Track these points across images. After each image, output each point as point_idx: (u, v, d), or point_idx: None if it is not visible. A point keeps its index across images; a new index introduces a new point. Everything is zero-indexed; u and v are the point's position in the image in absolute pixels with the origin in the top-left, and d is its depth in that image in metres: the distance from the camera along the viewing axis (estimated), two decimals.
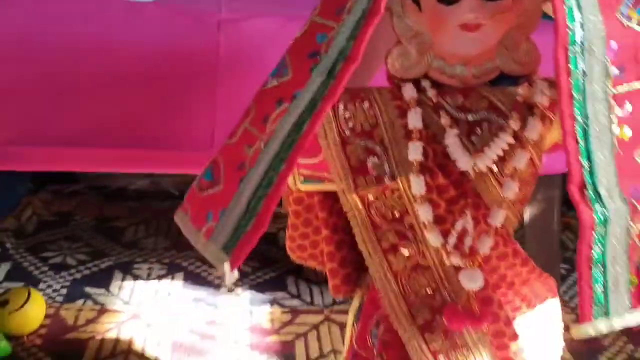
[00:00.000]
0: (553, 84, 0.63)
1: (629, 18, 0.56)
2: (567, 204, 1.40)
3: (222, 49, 1.00)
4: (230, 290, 0.59)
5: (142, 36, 0.96)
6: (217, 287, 1.45)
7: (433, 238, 0.64)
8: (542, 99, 0.61)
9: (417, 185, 0.62)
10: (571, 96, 0.53)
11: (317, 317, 1.35)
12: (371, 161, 0.64)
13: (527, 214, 1.18)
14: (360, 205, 0.66)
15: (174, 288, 1.44)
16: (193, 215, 0.67)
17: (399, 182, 0.63)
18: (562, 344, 0.77)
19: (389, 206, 0.65)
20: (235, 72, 1.02)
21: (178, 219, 0.69)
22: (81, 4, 0.97)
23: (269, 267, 1.54)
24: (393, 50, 0.64)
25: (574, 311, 1.44)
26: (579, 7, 0.53)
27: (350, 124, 0.64)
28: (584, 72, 0.53)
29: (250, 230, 0.57)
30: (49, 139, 0.96)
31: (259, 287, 1.45)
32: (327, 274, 0.76)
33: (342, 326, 1.29)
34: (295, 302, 1.41)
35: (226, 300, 1.40)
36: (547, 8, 0.63)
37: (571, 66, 0.53)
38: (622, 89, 0.56)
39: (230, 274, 0.57)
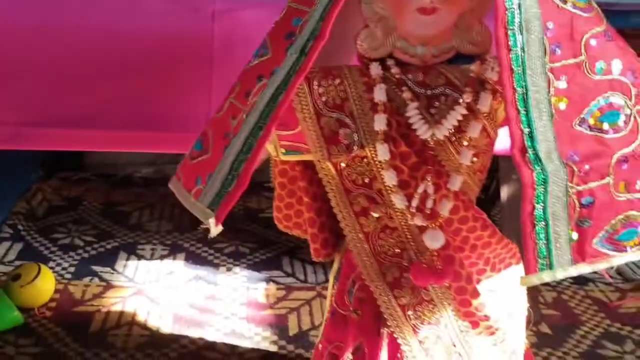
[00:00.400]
0: None
1: (564, 1, 0.63)
2: None
3: (216, 38, 1.09)
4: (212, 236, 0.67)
5: (142, 24, 1.04)
6: (216, 266, 1.54)
7: (398, 201, 0.72)
8: (492, 75, 0.69)
9: (382, 152, 0.70)
10: (511, 69, 0.60)
11: (309, 293, 1.43)
12: (342, 131, 0.71)
13: (504, 192, 1.25)
14: (333, 172, 0.74)
15: (176, 267, 1.53)
16: (185, 181, 0.75)
17: (367, 150, 0.71)
18: (525, 310, 0.84)
19: (359, 172, 0.73)
20: (229, 59, 1.10)
21: (172, 185, 0.77)
22: None
23: (265, 248, 1.62)
24: (361, 32, 0.72)
25: (555, 288, 1.52)
26: None
27: (324, 99, 0.72)
28: (522, 48, 0.61)
29: (232, 190, 0.65)
30: (56, 121, 1.04)
31: (256, 267, 1.54)
32: (309, 239, 0.84)
33: None
34: (289, 280, 1.49)
35: (225, 278, 1.49)
36: None
37: (510, 43, 0.60)
38: (560, 64, 0.63)
39: (215, 228, 0.65)
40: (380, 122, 0.70)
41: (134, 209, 1.82)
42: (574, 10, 0.64)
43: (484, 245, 0.79)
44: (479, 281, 0.78)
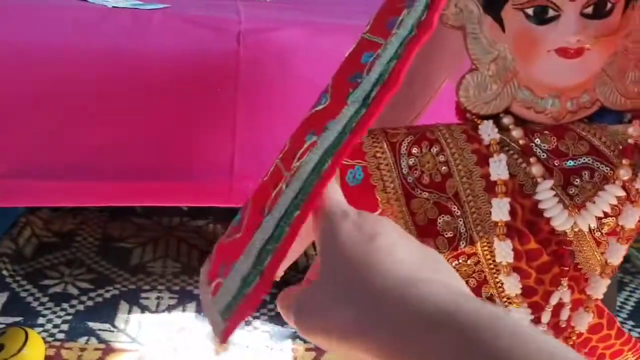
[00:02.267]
0: None
1: None
2: None
3: (242, 63, 0.88)
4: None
5: (153, 47, 0.83)
6: None
7: (521, 314, 0.51)
8: None
9: (504, 252, 0.49)
10: None
11: None
12: (442, 220, 0.51)
13: None
14: None
15: (186, 320, 1.32)
16: (212, 266, 0.56)
17: (478, 247, 0.51)
18: None
19: (464, 274, 0.52)
20: (256, 88, 0.90)
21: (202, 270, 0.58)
22: (77, 13, 0.84)
23: None
24: (467, 78, 0.51)
25: None
26: None
27: (416, 174, 0.51)
28: None
29: (251, 292, 0.45)
30: (47, 171, 0.83)
31: (278, 319, 1.32)
32: None
33: None
34: None
35: (244, 335, 1.28)
36: None
37: None
38: None
39: (220, 347, 0.46)
40: (500, 210, 0.49)
41: (135, 245, 1.61)
42: None
43: (613, 354, 0.59)
44: None
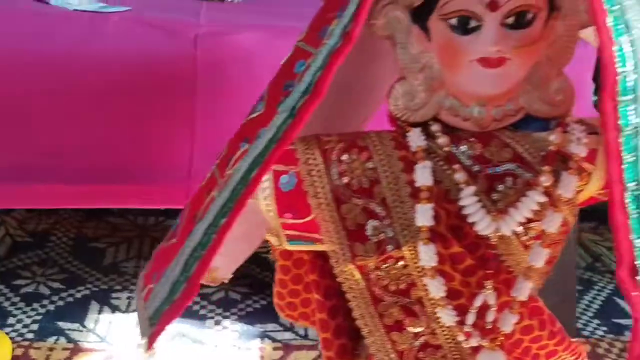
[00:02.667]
0: (591, 128, 0.52)
1: None
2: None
3: (199, 67, 0.89)
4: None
5: (109, 50, 0.83)
6: (203, 318, 1.34)
7: (446, 316, 0.53)
8: (579, 149, 0.50)
9: (427, 256, 0.51)
10: (620, 158, 0.42)
11: (311, 354, 1.24)
12: (371, 225, 0.52)
13: None
14: (358, 276, 0.54)
15: None
16: (148, 271, 0.57)
17: (405, 251, 0.52)
18: None
19: (393, 277, 0.54)
20: (214, 91, 0.91)
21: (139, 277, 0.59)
22: (34, 16, 0.84)
23: (260, 294, 1.43)
24: (396, 87, 0.53)
25: (588, 340, 1.34)
26: (632, 43, 0.42)
27: (346, 179, 0.52)
28: (636, 128, 0.42)
29: (178, 299, 0.47)
30: (2, 173, 0.84)
31: (249, 318, 1.34)
32: (320, 344, 0.65)
33: None
34: (287, 335, 1.29)
35: (212, 334, 1.29)
36: (586, 34, 0.52)
37: (621, 122, 0.41)
38: None
39: (145, 353, 0.47)
40: (424, 216, 0.50)
41: (109, 245, 1.61)
42: None
43: (548, 354, 0.61)
44: None
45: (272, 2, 1.19)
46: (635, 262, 0.43)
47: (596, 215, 1.64)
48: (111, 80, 0.84)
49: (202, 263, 0.47)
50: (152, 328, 0.49)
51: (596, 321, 1.42)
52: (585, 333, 1.35)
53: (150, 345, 0.48)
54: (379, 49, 0.56)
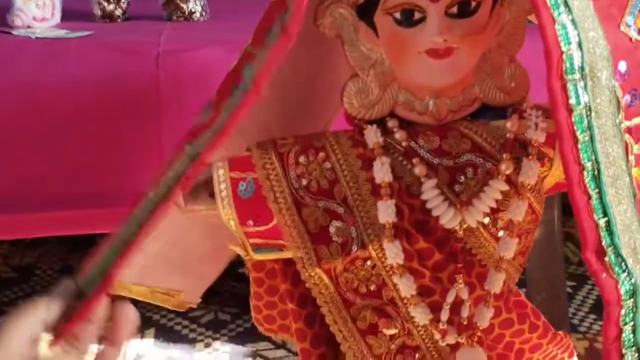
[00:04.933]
0: (548, 112, 0.51)
1: (638, 30, 0.44)
2: (565, 213, 1.30)
3: (162, 85, 0.88)
4: None
5: (65, 79, 0.82)
6: (193, 342, 1.32)
7: (419, 314, 0.51)
8: (537, 135, 0.49)
9: (393, 253, 0.49)
10: (575, 138, 0.41)
11: None
12: (334, 226, 0.51)
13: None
14: (326, 280, 0.53)
15: (145, 347, 1.30)
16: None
17: (371, 250, 0.51)
18: None
19: (362, 278, 0.52)
20: (179, 110, 0.89)
21: None
22: None
23: (249, 313, 1.40)
24: (349, 85, 0.52)
25: (585, 336, 1.33)
26: (574, 22, 0.41)
27: (304, 182, 0.51)
28: (587, 105, 0.41)
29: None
30: None
31: (240, 338, 1.32)
32: (299, 355, 0.63)
33: None
34: (279, 353, 1.27)
35: (204, 357, 1.27)
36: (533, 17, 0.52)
37: (571, 100, 0.41)
38: (638, 120, 0.44)
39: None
40: (386, 212, 0.49)
41: None
42: None
43: (532, 348, 0.59)
44: None
45: (238, 17, 1.19)
46: (602, 243, 0.42)
47: None
48: (75, 105, 0.83)
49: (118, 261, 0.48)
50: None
51: (592, 316, 1.41)
52: (582, 329, 1.34)
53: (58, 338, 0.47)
54: (338, 46, 0.55)
